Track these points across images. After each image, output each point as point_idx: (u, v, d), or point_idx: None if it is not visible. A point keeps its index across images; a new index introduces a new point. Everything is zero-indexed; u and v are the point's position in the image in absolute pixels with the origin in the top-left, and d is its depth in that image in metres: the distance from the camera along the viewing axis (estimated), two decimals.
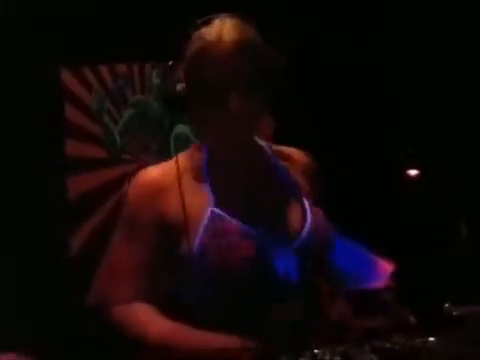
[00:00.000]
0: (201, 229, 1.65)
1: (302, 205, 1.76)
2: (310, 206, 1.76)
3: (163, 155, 3.83)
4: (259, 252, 1.66)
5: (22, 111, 3.56)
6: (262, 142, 1.85)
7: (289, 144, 1.93)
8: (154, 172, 1.74)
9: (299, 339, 1.59)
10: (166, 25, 3.63)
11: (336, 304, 1.74)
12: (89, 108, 3.79)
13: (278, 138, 2.12)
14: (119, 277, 1.72)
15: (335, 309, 1.73)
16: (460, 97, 3.55)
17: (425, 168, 2.49)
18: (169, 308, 1.71)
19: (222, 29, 1.66)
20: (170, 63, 1.73)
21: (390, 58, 3.66)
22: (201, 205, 1.68)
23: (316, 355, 1.41)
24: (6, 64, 3.52)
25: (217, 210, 1.67)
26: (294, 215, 1.74)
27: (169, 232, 1.69)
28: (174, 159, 1.74)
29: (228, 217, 1.66)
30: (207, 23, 1.69)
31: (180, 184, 1.69)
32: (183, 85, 1.69)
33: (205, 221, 1.66)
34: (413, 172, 2.54)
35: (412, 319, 1.67)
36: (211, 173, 1.73)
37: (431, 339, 1.48)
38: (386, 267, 1.85)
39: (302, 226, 1.72)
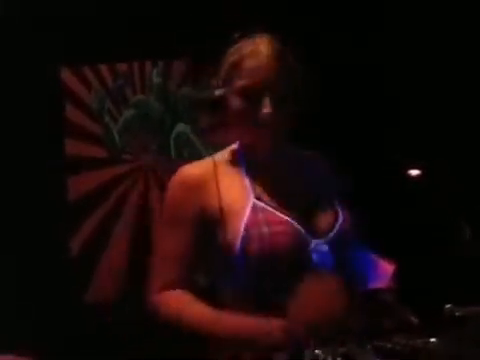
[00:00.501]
0: (244, 220, 1.75)
1: (332, 202, 1.87)
2: (340, 204, 1.88)
3: (163, 155, 3.83)
4: (298, 243, 1.75)
5: (22, 111, 3.56)
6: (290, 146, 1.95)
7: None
8: (194, 169, 1.86)
9: (341, 327, 1.63)
10: (166, 25, 3.64)
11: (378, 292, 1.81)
12: (89, 107, 3.79)
13: None
14: (161, 266, 1.83)
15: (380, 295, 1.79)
16: (460, 97, 3.55)
17: (425, 168, 2.49)
18: (206, 300, 1.79)
19: (260, 43, 1.82)
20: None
21: (390, 58, 3.66)
22: (241, 198, 1.79)
23: (317, 356, 1.41)
24: (6, 64, 3.52)
25: (259, 202, 1.77)
26: (326, 212, 1.84)
27: (209, 225, 1.79)
28: (211, 158, 1.87)
29: (269, 208, 1.77)
30: (244, 38, 1.84)
31: (219, 179, 1.81)
32: (222, 90, 1.83)
33: (248, 212, 1.76)
34: (413, 172, 2.54)
35: (414, 319, 1.68)
36: (248, 170, 1.85)
37: (432, 340, 1.48)
38: (387, 267, 1.86)
39: (335, 221, 1.83)
